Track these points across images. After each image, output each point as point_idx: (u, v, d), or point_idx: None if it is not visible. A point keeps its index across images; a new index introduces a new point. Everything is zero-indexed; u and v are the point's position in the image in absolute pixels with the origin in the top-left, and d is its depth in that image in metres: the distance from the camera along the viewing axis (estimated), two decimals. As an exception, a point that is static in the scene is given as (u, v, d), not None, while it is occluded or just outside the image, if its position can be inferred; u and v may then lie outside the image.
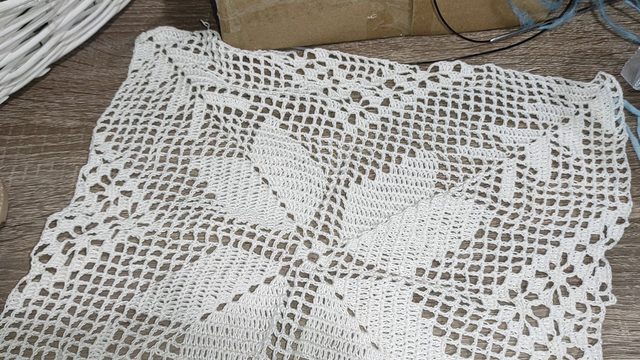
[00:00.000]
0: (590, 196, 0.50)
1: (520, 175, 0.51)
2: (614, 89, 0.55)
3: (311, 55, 0.58)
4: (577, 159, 0.52)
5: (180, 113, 0.55)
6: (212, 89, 0.56)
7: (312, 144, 0.53)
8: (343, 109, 0.55)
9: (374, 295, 0.45)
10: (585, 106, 0.55)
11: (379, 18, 0.58)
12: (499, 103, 0.55)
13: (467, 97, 0.55)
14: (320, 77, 0.57)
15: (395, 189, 0.51)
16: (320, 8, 0.56)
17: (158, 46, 0.60)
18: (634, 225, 0.49)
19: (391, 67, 0.57)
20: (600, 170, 0.51)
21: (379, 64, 0.58)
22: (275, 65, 0.58)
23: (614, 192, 0.50)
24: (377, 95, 0.56)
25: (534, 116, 0.54)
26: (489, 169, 0.52)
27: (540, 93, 0.55)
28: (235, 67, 0.58)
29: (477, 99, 0.55)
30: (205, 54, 0.59)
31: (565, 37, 0.60)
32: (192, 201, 0.50)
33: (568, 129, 0.53)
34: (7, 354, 0.43)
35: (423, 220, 0.49)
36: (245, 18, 0.56)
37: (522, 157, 0.52)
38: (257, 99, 0.56)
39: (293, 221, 0.49)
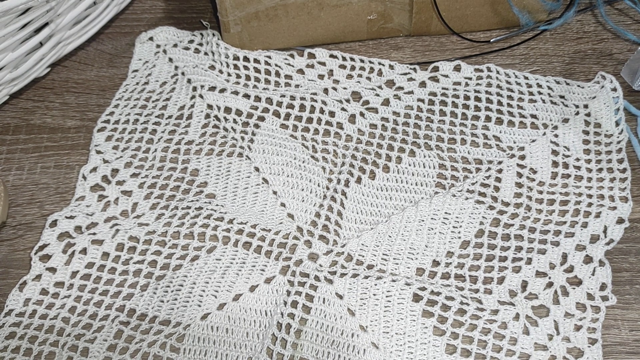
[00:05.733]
0: (590, 196, 0.50)
1: (520, 175, 0.51)
2: (614, 89, 0.55)
3: (311, 56, 0.58)
4: (577, 159, 0.52)
5: (180, 113, 0.55)
6: (212, 89, 0.56)
7: (312, 144, 0.53)
8: (343, 109, 0.55)
9: (374, 295, 0.45)
10: (585, 106, 0.55)
11: (379, 18, 0.58)
12: (499, 103, 0.55)
13: (467, 97, 0.56)
14: (321, 77, 0.57)
15: (395, 189, 0.51)
16: (320, 8, 0.56)
17: (158, 46, 0.60)
18: (633, 225, 0.49)
19: (391, 67, 0.57)
20: (600, 170, 0.51)
21: (379, 64, 0.58)
22: (276, 65, 0.58)
23: (614, 192, 0.50)
24: (377, 95, 0.56)
25: (534, 116, 0.54)
26: (489, 169, 0.52)
27: (540, 93, 0.55)
28: (236, 67, 0.58)
29: (477, 99, 0.55)
30: (206, 54, 0.59)
31: (565, 38, 0.60)
32: (192, 201, 0.50)
33: (568, 129, 0.53)
34: (7, 354, 0.43)
35: (423, 220, 0.49)
36: (245, 18, 0.56)
37: (522, 157, 0.52)
38: (258, 99, 0.56)
39: (293, 221, 0.50)
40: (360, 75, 0.57)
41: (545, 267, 0.47)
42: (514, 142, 0.53)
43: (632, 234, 0.49)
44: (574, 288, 0.46)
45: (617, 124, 0.53)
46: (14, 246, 0.49)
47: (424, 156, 0.52)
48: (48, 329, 0.44)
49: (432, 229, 0.48)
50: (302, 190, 0.51)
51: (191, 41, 0.60)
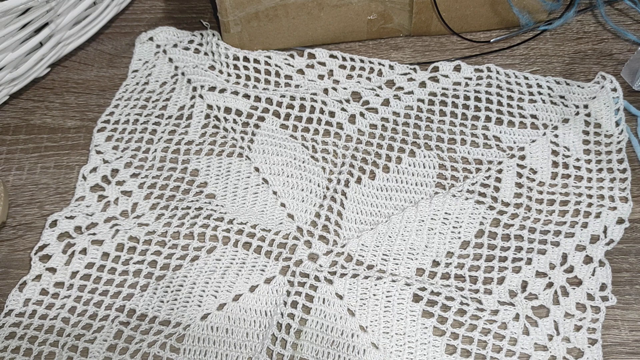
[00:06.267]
0: (590, 196, 0.50)
1: (520, 175, 0.51)
2: (614, 90, 0.55)
3: (311, 56, 0.58)
4: (577, 159, 0.52)
5: (180, 113, 0.55)
6: (212, 89, 0.56)
7: (312, 144, 0.53)
8: (343, 109, 0.55)
9: (374, 295, 0.45)
10: (586, 106, 0.55)
11: (379, 18, 0.58)
12: (499, 103, 0.55)
13: (467, 98, 0.56)
14: (321, 77, 0.57)
15: (395, 189, 0.51)
16: (320, 8, 0.56)
17: (158, 46, 0.60)
18: (633, 226, 0.49)
19: (391, 67, 0.57)
20: (600, 170, 0.51)
21: (379, 64, 0.58)
22: (276, 65, 0.58)
23: (614, 192, 0.50)
24: (377, 95, 0.56)
25: (534, 116, 0.54)
26: (489, 169, 0.52)
27: (540, 93, 0.55)
28: (236, 67, 0.58)
29: (477, 99, 0.55)
30: (206, 54, 0.59)
31: (565, 38, 0.60)
32: (192, 201, 0.50)
33: (568, 129, 0.53)
34: (7, 354, 0.43)
35: (423, 221, 0.49)
36: (245, 18, 0.56)
37: (522, 158, 0.52)
38: (257, 99, 0.56)
39: (293, 221, 0.50)
40: (360, 76, 0.57)
41: (545, 267, 0.47)
42: (514, 143, 0.53)
43: (632, 234, 0.49)
44: (574, 288, 0.46)
45: (617, 124, 0.53)
46: (14, 246, 0.49)
47: (424, 156, 0.52)
48: (48, 329, 0.44)
49: (432, 229, 0.48)
50: (302, 190, 0.51)
51: (191, 41, 0.60)
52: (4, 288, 0.47)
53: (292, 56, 0.58)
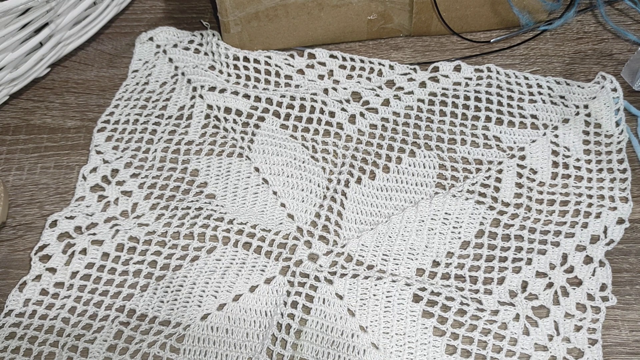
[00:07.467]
0: (590, 196, 0.50)
1: (520, 175, 0.51)
2: (614, 90, 0.55)
3: (311, 56, 0.58)
4: (577, 160, 0.52)
5: (180, 113, 0.55)
6: (212, 89, 0.56)
7: (312, 144, 0.53)
8: (343, 109, 0.55)
9: (374, 295, 0.45)
10: (586, 106, 0.55)
11: (379, 18, 0.58)
12: (499, 103, 0.55)
13: (467, 98, 0.56)
14: (321, 77, 0.57)
15: (396, 189, 0.51)
16: (320, 8, 0.56)
17: (158, 46, 0.60)
18: (634, 226, 0.49)
19: (391, 67, 0.57)
20: (600, 170, 0.51)
21: (379, 64, 0.58)
22: (276, 65, 0.58)
23: (614, 192, 0.50)
24: (377, 95, 0.56)
25: (534, 116, 0.54)
26: (489, 169, 0.52)
27: (540, 93, 0.55)
28: (236, 67, 0.58)
29: (477, 99, 0.55)
30: (206, 54, 0.59)
31: (565, 38, 0.60)
32: (192, 201, 0.50)
33: (568, 130, 0.53)
34: (7, 354, 0.43)
35: (423, 221, 0.49)
36: (245, 18, 0.56)
37: (522, 158, 0.52)
38: (258, 99, 0.56)
39: (293, 221, 0.49)
40: (360, 76, 0.57)
41: (546, 267, 0.47)
42: (514, 143, 0.53)
43: (632, 235, 0.49)
44: (574, 288, 0.46)
45: (617, 124, 0.53)
46: (14, 246, 0.49)
47: (424, 156, 0.52)
48: (48, 329, 0.44)
49: (432, 229, 0.48)
50: (302, 190, 0.51)
51: (191, 41, 0.60)
52: (4, 288, 0.47)
53: (292, 56, 0.58)
